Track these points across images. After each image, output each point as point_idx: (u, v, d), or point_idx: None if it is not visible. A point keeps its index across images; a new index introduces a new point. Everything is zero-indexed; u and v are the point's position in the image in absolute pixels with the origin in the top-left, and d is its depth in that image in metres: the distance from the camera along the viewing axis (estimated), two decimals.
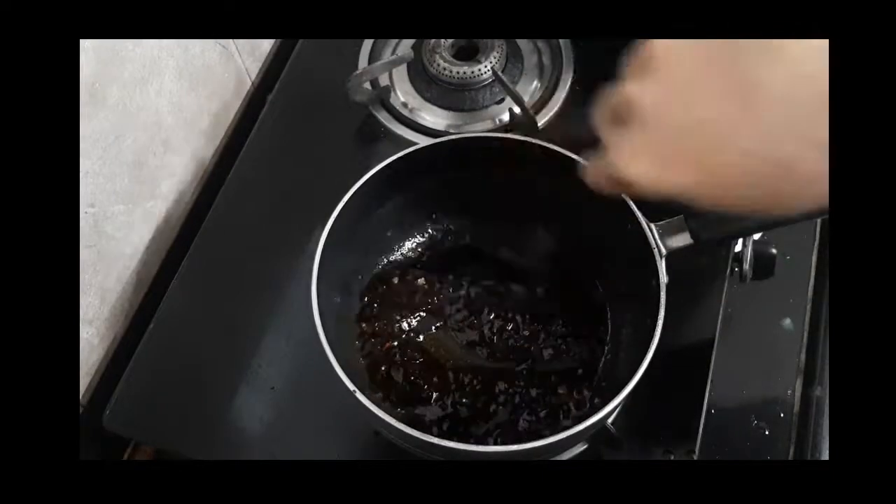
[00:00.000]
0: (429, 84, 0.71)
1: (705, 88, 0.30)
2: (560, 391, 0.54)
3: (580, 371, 0.55)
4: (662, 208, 0.44)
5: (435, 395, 0.55)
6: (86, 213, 0.55)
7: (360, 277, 0.58)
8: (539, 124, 0.67)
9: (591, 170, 0.37)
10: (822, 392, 0.55)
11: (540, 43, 0.74)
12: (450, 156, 0.53)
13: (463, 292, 0.59)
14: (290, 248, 0.62)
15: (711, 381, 0.54)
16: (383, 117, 0.69)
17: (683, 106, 0.31)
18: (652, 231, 0.48)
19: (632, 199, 0.33)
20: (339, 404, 0.45)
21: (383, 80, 0.71)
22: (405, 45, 0.74)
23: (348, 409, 0.44)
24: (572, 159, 0.49)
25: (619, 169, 0.33)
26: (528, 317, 0.57)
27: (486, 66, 0.69)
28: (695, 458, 0.51)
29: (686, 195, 0.32)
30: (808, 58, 0.28)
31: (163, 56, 0.60)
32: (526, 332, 0.57)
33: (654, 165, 0.32)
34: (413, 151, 0.52)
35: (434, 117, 0.70)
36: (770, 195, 0.31)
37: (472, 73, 0.69)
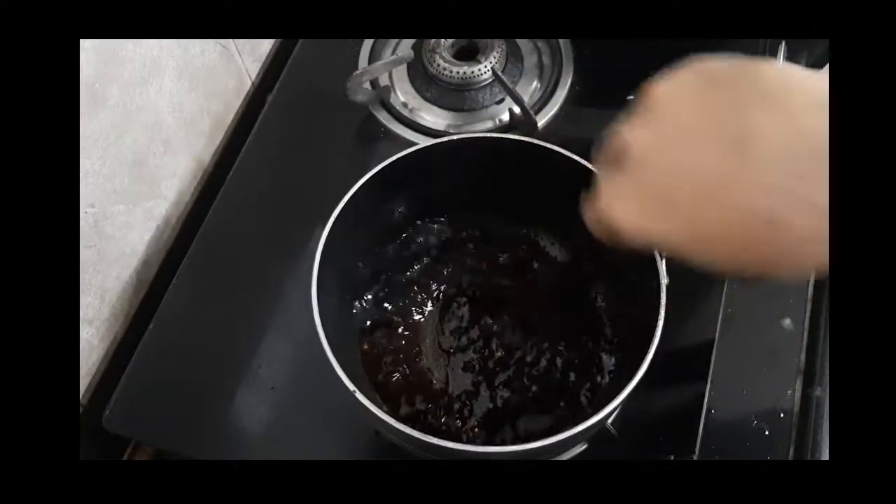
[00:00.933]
0: (429, 84, 0.71)
1: (700, 135, 0.28)
2: (560, 391, 0.54)
3: (580, 371, 0.55)
4: None
5: (435, 394, 0.55)
6: (86, 213, 0.55)
7: (360, 277, 0.58)
8: (539, 124, 0.67)
9: (586, 209, 0.34)
10: (822, 392, 0.55)
11: (540, 43, 0.74)
12: (450, 156, 0.53)
13: (463, 292, 0.59)
14: (290, 248, 0.62)
15: (711, 381, 0.54)
16: (383, 117, 0.69)
17: (675, 152, 0.29)
18: None
19: (618, 247, 0.31)
20: (340, 404, 0.45)
21: (383, 80, 0.71)
22: (405, 45, 0.74)
23: (348, 409, 0.44)
24: (572, 159, 0.49)
25: (604, 212, 0.31)
26: (527, 317, 0.57)
27: (486, 66, 0.69)
28: (695, 458, 0.51)
29: (671, 249, 0.30)
30: (810, 112, 0.27)
31: (163, 56, 0.60)
32: (525, 333, 0.57)
33: (638, 213, 0.30)
34: (413, 152, 0.52)
35: (434, 117, 0.70)
36: (760, 258, 0.28)
37: (472, 73, 0.69)
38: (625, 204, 0.30)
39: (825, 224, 0.26)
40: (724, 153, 0.28)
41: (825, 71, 0.28)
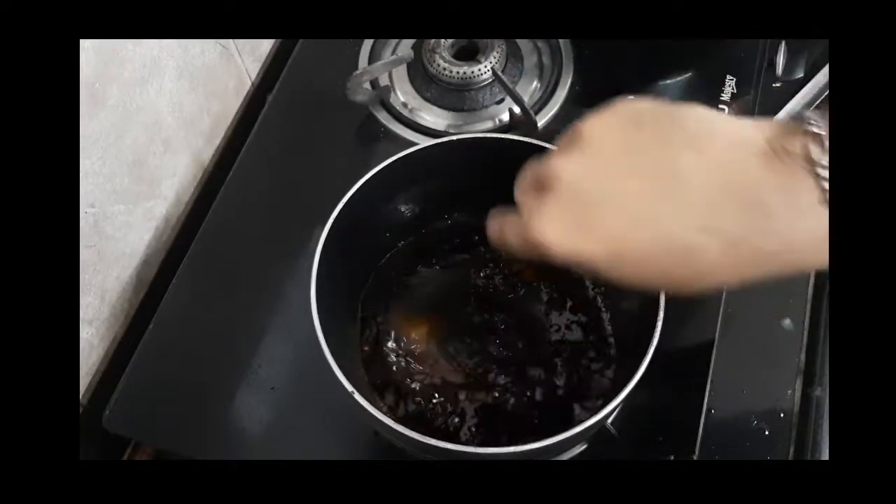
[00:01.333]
0: (429, 84, 0.71)
1: (629, 168, 0.31)
2: (560, 391, 0.54)
3: (580, 372, 0.55)
4: None
5: (435, 395, 0.55)
6: (86, 213, 0.55)
7: (360, 277, 0.58)
8: (539, 124, 0.67)
9: (501, 226, 0.38)
10: (822, 392, 0.55)
11: (540, 43, 0.74)
12: (450, 156, 0.53)
13: (462, 292, 0.59)
14: (290, 248, 0.62)
15: (711, 381, 0.54)
16: (383, 117, 0.69)
17: (605, 181, 0.31)
18: None
19: (537, 263, 0.34)
20: (340, 405, 0.45)
21: (383, 80, 0.71)
22: (405, 45, 0.74)
23: (348, 410, 0.44)
24: None
25: (531, 229, 0.33)
26: (528, 317, 0.57)
27: (486, 66, 0.69)
28: (695, 458, 0.51)
29: (591, 267, 0.32)
30: (729, 153, 0.29)
31: (163, 56, 0.60)
32: (526, 333, 0.57)
33: (565, 232, 0.32)
34: (413, 152, 0.52)
35: (434, 117, 0.70)
36: (676, 279, 0.32)
37: (472, 73, 0.69)
38: (553, 223, 0.32)
39: (735, 251, 0.29)
40: (651, 185, 0.30)
41: (740, 118, 0.31)
